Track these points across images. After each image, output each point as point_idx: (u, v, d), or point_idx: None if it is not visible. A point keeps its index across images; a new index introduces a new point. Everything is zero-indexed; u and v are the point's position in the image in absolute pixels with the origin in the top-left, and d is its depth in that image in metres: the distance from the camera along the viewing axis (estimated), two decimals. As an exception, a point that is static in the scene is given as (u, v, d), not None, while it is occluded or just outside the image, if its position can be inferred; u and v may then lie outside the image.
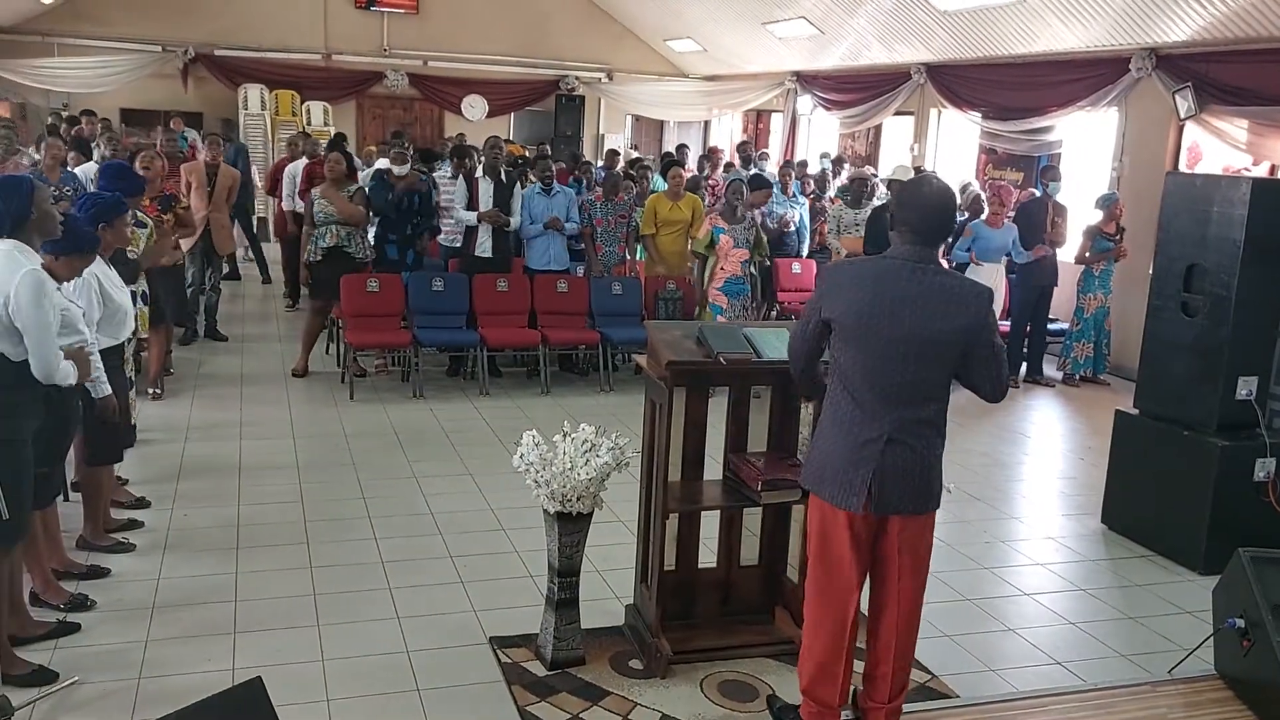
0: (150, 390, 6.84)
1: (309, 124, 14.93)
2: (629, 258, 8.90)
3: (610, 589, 4.42)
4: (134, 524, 4.88)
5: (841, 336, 3.08)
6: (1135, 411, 5.44)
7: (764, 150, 15.09)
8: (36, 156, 8.61)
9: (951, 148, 12.61)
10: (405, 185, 7.91)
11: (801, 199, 10.44)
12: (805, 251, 10.09)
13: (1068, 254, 8.92)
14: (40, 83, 14.69)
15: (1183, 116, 8.90)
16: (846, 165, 12.43)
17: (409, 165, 8.19)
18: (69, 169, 8.05)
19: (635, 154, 15.80)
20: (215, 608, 4.15)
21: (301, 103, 15.50)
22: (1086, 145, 10.52)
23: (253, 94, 15.14)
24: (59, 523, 4.32)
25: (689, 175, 9.79)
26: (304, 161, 9.95)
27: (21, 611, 3.79)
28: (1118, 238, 8.68)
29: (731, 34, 15.07)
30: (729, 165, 13.01)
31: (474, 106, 16.81)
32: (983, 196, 9.32)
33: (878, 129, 14.05)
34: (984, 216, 8.72)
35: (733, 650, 3.94)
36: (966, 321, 2.99)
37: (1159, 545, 5.24)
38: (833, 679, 3.20)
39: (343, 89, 16.35)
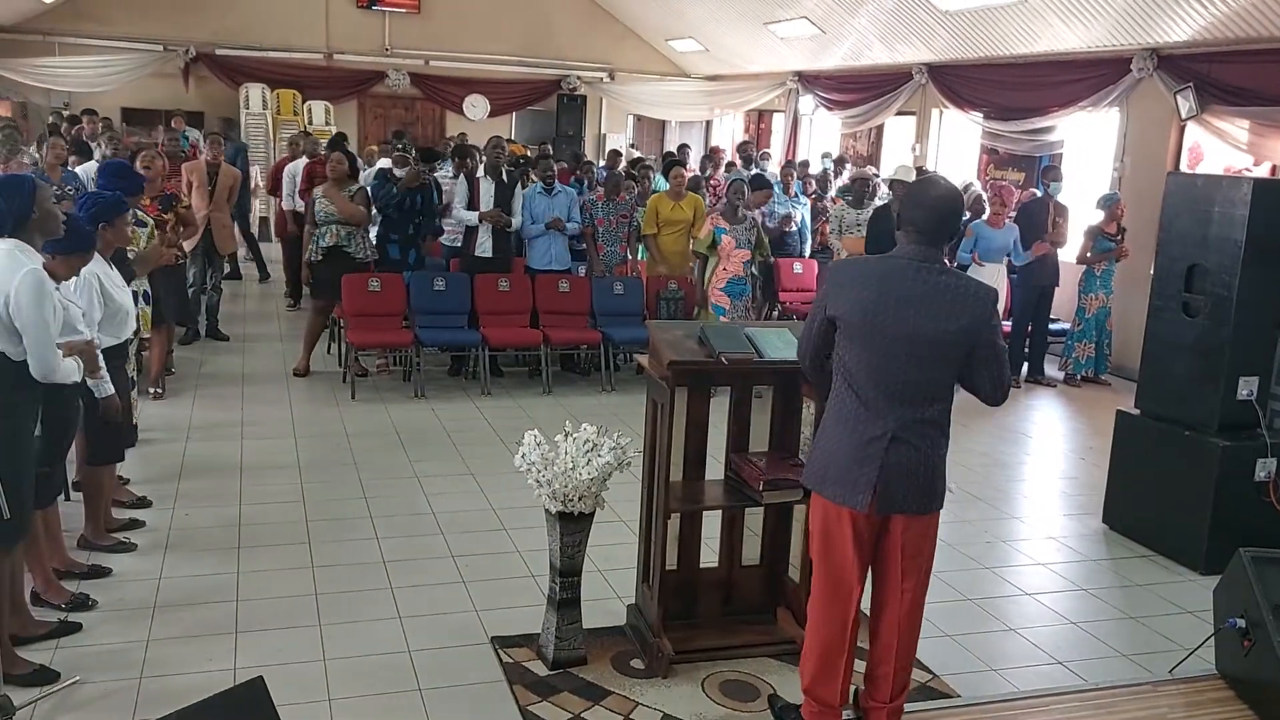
0: (152, 390, 6.84)
1: (310, 123, 14.94)
2: (630, 257, 8.90)
3: (612, 589, 4.42)
4: (135, 523, 4.88)
5: (846, 334, 3.08)
6: (1136, 411, 5.44)
7: (765, 150, 15.10)
8: (38, 156, 8.60)
9: (953, 148, 12.61)
10: (412, 180, 7.86)
11: (803, 199, 10.45)
12: (807, 251, 10.09)
13: (1069, 254, 8.93)
14: (41, 82, 14.70)
15: (1184, 117, 8.90)
16: (848, 165, 12.43)
17: (409, 167, 8.18)
18: (70, 169, 8.05)
19: (637, 154, 15.80)
20: (217, 607, 4.15)
21: (303, 102, 15.51)
22: (1088, 145, 10.51)
23: (254, 93, 15.15)
24: (60, 522, 4.32)
25: (690, 175, 9.78)
26: (304, 161, 9.95)
27: (23, 611, 3.79)
28: (1119, 238, 8.68)
29: (733, 34, 15.07)
30: (730, 165, 13.00)
31: (475, 106, 16.81)
32: (984, 197, 9.33)
33: (879, 129, 14.05)
34: (985, 217, 8.71)
35: (734, 650, 3.94)
36: (970, 321, 2.99)
37: (1160, 545, 5.24)
38: (834, 678, 3.20)
39: (344, 88, 16.36)
